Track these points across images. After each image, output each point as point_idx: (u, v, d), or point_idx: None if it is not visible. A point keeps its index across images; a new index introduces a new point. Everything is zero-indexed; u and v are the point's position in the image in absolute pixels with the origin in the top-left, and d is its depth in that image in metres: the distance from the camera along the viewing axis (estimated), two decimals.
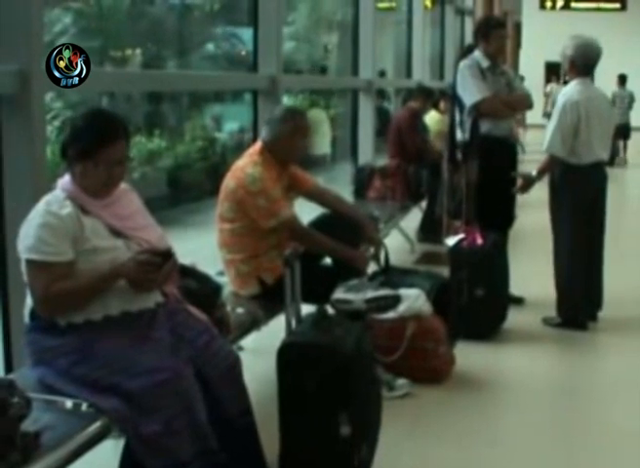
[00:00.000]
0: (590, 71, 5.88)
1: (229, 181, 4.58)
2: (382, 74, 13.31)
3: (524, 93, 6.56)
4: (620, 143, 18.06)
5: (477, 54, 6.32)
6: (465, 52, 7.28)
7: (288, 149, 4.67)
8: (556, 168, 5.81)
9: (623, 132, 17.61)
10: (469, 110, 6.17)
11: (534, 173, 5.96)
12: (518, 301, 6.35)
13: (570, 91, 5.83)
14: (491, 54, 6.27)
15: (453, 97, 6.59)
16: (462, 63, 6.31)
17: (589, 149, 5.75)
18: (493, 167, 6.14)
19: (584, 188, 5.79)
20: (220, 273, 4.70)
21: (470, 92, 6.16)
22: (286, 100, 8.30)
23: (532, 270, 7.02)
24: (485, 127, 6.20)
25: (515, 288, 6.20)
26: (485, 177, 6.15)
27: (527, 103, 6.76)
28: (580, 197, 5.79)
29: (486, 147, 6.15)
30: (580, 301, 5.90)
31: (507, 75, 6.46)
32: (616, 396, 4.90)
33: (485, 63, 6.24)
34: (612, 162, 15.81)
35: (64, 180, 3.23)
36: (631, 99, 18.66)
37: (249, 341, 4.72)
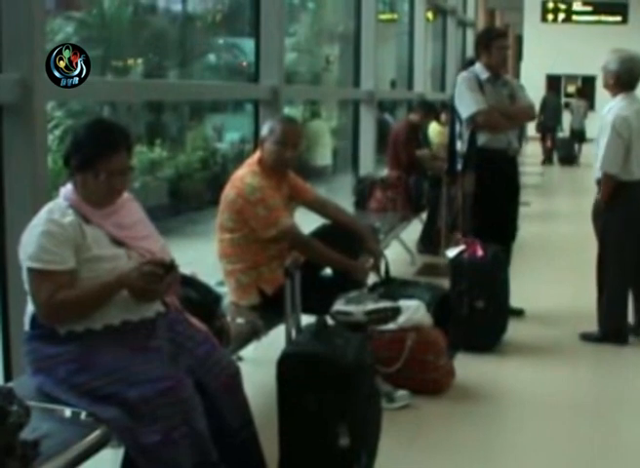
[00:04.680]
0: (635, 86, 5.79)
1: (229, 191, 4.58)
2: (394, 84, 13.37)
3: (526, 104, 6.52)
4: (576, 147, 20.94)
5: (477, 66, 6.28)
6: (466, 65, 7.26)
7: (273, 159, 4.61)
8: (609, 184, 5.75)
9: (580, 136, 20.73)
10: (466, 122, 6.16)
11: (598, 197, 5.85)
12: (518, 313, 6.33)
13: (616, 106, 5.73)
14: (493, 65, 6.22)
15: (452, 110, 6.58)
16: (460, 76, 6.30)
17: (639, 165, 5.70)
18: (489, 179, 6.11)
19: (637, 204, 5.74)
20: (221, 283, 4.70)
21: (466, 104, 6.14)
22: (287, 111, 8.31)
23: (532, 282, 7.02)
24: (482, 139, 6.17)
25: (516, 300, 6.19)
26: (482, 190, 6.13)
27: (529, 115, 6.74)
28: (632, 213, 5.72)
29: (483, 160, 6.12)
30: (624, 315, 5.87)
31: (510, 86, 6.42)
32: (618, 410, 4.90)
33: (484, 75, 6.20)
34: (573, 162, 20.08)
35: (67, 189, 3.23)
36: (585, 109, 21.31)
37: (249, 351, 4.72)
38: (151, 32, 12.15)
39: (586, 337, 5.94)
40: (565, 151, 20.78)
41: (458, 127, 6.35)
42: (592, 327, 5.94)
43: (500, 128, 6.24)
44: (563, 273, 8.00)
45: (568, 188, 17.19)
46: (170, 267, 3.16)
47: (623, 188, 5.69)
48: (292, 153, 4.63)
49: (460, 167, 6.37)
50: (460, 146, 6.29)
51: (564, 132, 21.27)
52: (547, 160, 20.71)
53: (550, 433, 4.51)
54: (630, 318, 5.93)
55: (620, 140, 5.63)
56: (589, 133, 20.31)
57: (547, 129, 20.36)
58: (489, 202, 6.11)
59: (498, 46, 6.24)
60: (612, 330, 5.86)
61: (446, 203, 7.87)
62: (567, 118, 21.52)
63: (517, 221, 6.61)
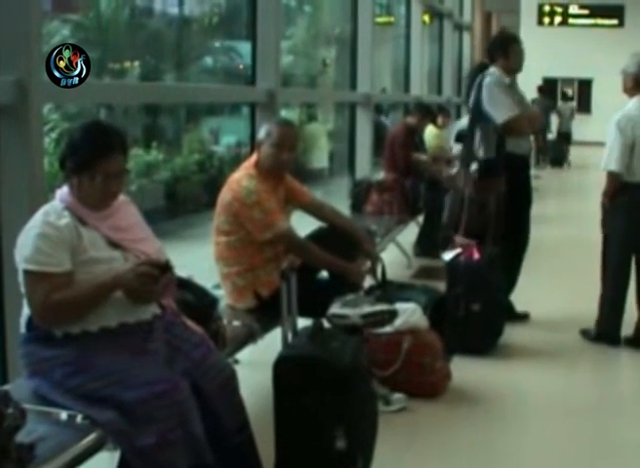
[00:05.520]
0: None
1: (225, 194, 4.57)
2: (383, 91, 13.36)
3: (535, 110, 6.50)
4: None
5: (495, 70, 6.16)
6: (480, 68, 7.09)
7: (270, 162, 4.61)
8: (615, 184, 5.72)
9: (566, 139, 21.69)
10: (499, 127, 5.99)
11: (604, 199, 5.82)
12: (523, 317, 6.34)
13: (628, 107, 5.74)
14: (512, 68, 6.16)
15: (474, 114, 6.30)
16: (489, 80, 6.08)
17: None
18: (517, 184, 6.06)
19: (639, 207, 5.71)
20: (217, 286, 4.69)
21: (502, 109, 5.99)
22: (284, 114, 8.31)
23: (527, 285, 7.01)
24: (508, 145, 6.08)
25: (518, 304, 6.18)
26: (511, 196, 6.03)
27: (540, 121, 6.72)
28: (634, 215, 5.70)
29: (508, 166, 6.03)
30: (620, 317, 5.85)
31: (520, 93, 6.40)
32: (613, 412, 4.90)
33: (507, 80, 6.14)
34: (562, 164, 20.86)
35: (63, 191, 3.22)
36: (572, 112, 22.66)
37: (245, 354, 4.71)
38: (148, 35, 12.15)
39: (585, 334, 5.97)
40: (554, 153, 21.09)
41: (478, 132, 6.18)
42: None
43: (526, 133, 6.24)
44: (558, 276, 8.00)
45: (564, 190, 17.20)
46: (165, 268, 3.16)
47: (626, 190, 5.69)
48: (288, 156, 4.63)
49: (476, 173, 6.22)
50: (482, 152, 6.13)
51: (552, 133, 21.57)
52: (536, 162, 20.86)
53: (548, 435, 4.51)
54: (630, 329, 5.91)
55: (624, 139, 5.62)
56: (577, 135, 21.91)
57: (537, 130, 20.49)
58: (516, 208, 6.07)
59: (515, 50, 6.19)
60: (607, 330, 5.86)
61: (468, 209, 7.69)
62: (556, 121, 22.10)
63: (529, 229, 6.48)
